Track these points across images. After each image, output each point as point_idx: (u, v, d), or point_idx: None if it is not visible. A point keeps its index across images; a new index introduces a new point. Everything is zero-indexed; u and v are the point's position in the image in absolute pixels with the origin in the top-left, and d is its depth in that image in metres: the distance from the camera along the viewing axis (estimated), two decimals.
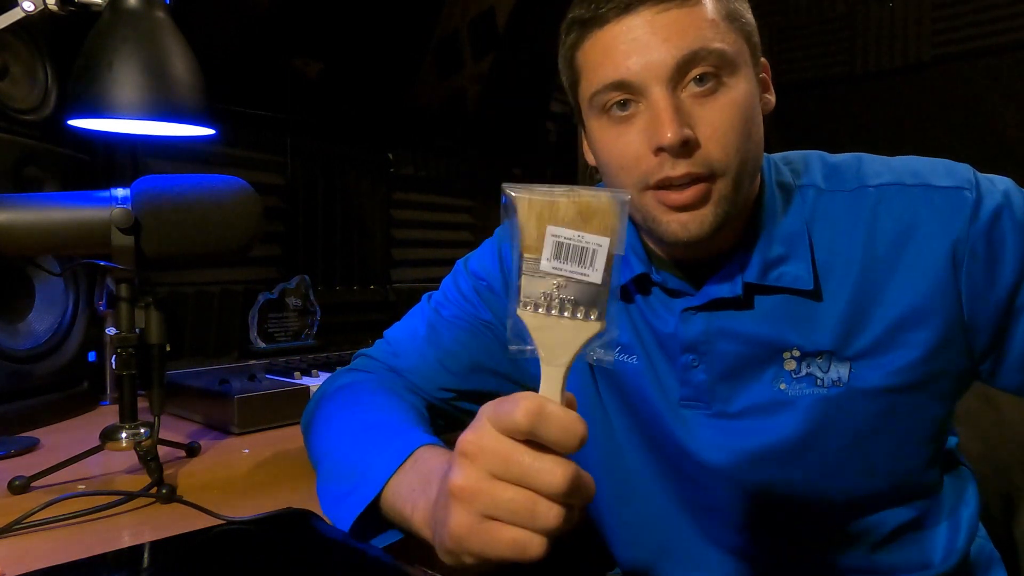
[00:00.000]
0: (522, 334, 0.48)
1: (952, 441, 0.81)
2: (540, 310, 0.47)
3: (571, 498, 0.46)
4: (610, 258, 0.46)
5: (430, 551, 0.66)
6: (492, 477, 0.47)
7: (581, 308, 0.47)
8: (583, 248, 0.46)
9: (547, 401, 0.46)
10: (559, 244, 0.46)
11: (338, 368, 0.90)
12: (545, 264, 0.47)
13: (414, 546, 0.67)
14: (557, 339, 0.47)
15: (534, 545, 0.46)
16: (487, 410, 0.48)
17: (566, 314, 0.47)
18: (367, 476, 0.65)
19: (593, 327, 0.47)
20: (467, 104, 2.10)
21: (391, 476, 0.63)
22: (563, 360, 0.48)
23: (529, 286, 0.47)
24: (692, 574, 0.79)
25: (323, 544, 0.65)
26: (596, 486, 0.48)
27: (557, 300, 0.47)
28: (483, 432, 0.47)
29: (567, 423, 0.45)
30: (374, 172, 1.87)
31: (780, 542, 0.74)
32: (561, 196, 0.47)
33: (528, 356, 0.49)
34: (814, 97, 2.21)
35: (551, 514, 0.45)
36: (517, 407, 0.46)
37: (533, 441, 0.46)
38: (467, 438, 0.48)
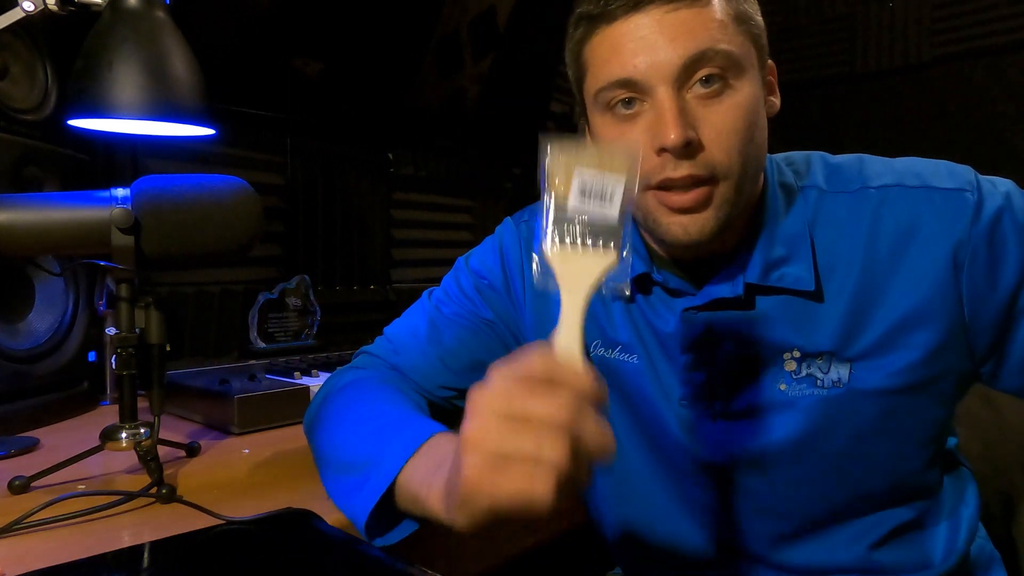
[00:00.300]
0: (546, 271, 0.53)
1: (952, 442, 0.81)
2: (564, 246, 0.53)
3: (575, 432, 0.46)
4: (626, 197, 0.52)
5: (430, 552, 0.66)
6: (498, 418, 0.47)
7: (600, 240, 0.52)
8: (603, 186, 0.52)
9: (559, 350, 0.50)
10: (583, 183, 0.52)
11: (338, 367, 0.91)
12: (572, 202, 0.52)
13: (414, 546, 0.67)
14: (577, 269, 0.52)
15: (541, 483, 0.46)
16: (495, 366, 0.50)
17: (586, 246, 0.52)
18: (381, 465, 0.65)
19: (610, 256, 0.52)
20: (467, 104, 2.10)
21: (405, 463, 0.63)
22: (583, 288, 0.52)
23: (555, 224, 0.53)
24: (692, 574, 0.79)
25: (323, 544, 0.65)
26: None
27: (579, 234, 0.52)
28: (488, 382, 0.49)
29: (576, 366, 0.48)
30: (374, 172, 1.87)
31: (780, 542, 0.74)
32: (586, 145, 0.53)
33: (553, 289, 0.53)
34: (814, 97, 2.21)
35: (555, 448, 0.46)
36: (532, 351, 0.48)
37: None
38: (475, 391, 0.49)
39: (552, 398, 0.46)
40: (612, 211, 0.52)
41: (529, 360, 0.48)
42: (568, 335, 0.51)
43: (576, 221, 0.52)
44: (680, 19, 0.63)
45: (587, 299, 0.52)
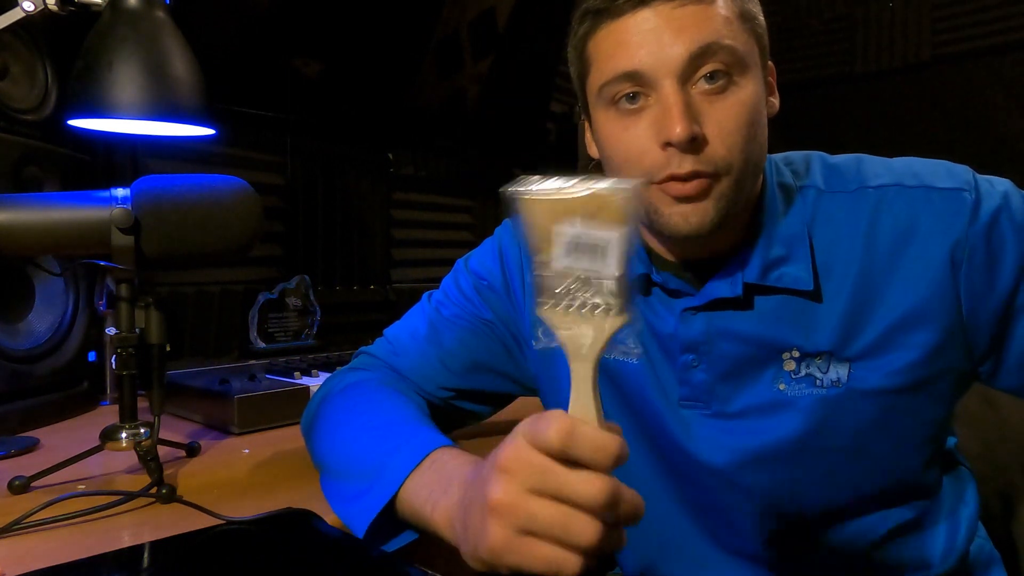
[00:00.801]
0: (547, 330, 0.48)
1: (951, 441, 0.81)
2: (560, 308, 0.47)
3: (609, 513, 0.46)
4: (624, 249, 0.45)
5: (429, 551, 0.66)
6: (529, 492, 0.47)
7: (601, 303, 0.46)
8: (595, 244, 0.45)
9: (578, 422, 0.46)
10: (568, 242, 0.45)
11: (338, 368, 0.90)
12: (557, 263, 0.46)
13: (414, 546, 0.67)
14: (582, 335, 0.47)
15: (569, 563, 0.46)
16: (523, 427, 0.49)
17: (586, 310, 0.46)
18: (383, 475, 0.65)
19: (616, 321, 0.46)
20: (467, 104, 2.10)
21: (408, 475, 0.63)
22: (591, 356, 0.47)
23: (546, 284, 0.47)
24: (691, 573, 0.79)
25: (323, 544, 0.65)
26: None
27: (578, 297, 0.46)
28: (520, 448, 0.48)
29: (600, 442, 0.46)
30: (374, 172, 1.87)
31: (780, 542, 0.74)
32: (567, 192, 0.45)
33: (555, 347, 0.48)
34: (814, 97, 2.21)
35: (587, 530, 0.46)
36: (549, 426, 0.46)
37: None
38: (505, 454, 0.49)
39: (586, 477, 0.46)
40: (609, 270, 0.45)
41: (555, 435, 0.46)
42: (582, 405, 0.47)
43: (571, 283, 0.46)
44: (686, 14, 0.63)
45: (596, 366, 0.47)
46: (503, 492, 0.48)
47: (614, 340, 0.47)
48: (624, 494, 0.47)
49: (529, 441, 0.47)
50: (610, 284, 0.46)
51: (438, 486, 0.60)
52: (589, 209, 0.45)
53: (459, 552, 0.55)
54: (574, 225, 0.45)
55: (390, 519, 0.65)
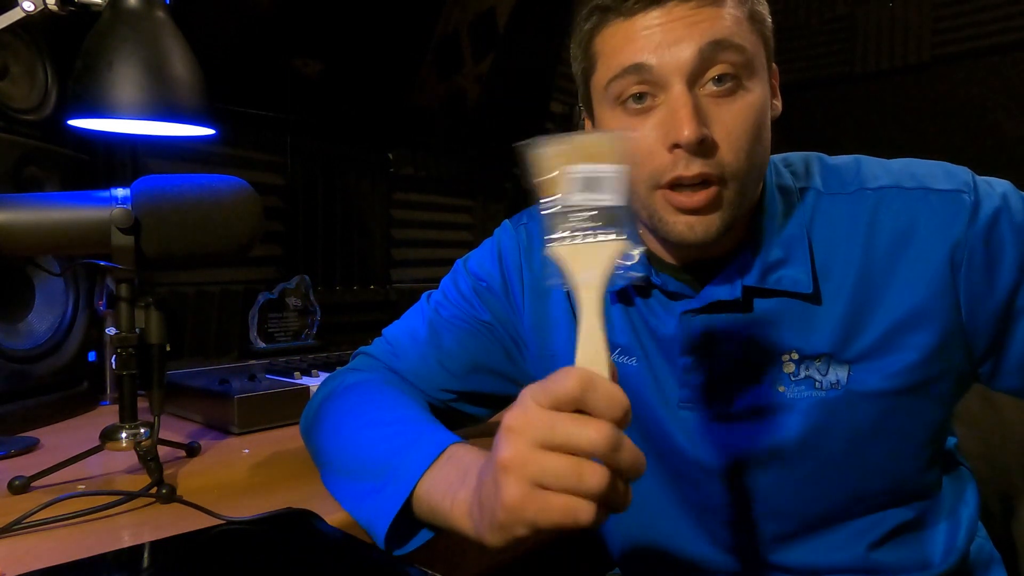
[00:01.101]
0: (555, 271, 0.53)
1: (951, 441, 0.81)
2: (567, 242, 0.52)
3: (614, 459, 0.48)
4: (626, 182, 0.51)
5: (430, 552, 0.66)
6: (538, 446, 0.49)
7: (606, 228, 0.51)
8: (599, 174, 0.51)
9: (594, 373, 0.49)
10: (578, 179, 0.51)
11: (338, 368, 0.90)
12: (569, 199, 0.52)
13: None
14: (587, 262, 0.52)
15: (583, 509, 0.48)
16: (529, 390, 0.50)
17: (590, 238, 0.52)
18: (399, 472, 0.65)
19: (621, 245, 0.51)
20: (467, 104, 2.10)
21: (424, 472, 0.63)
22: (596, 281, 0.51)
23: (555, 223, 0.52)
24: (691, 574, 0.79)
25: (323, 544, 0.65)
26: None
27: (584, 227, 0.52)
28: (527, 407, 0.50)
29: (613, 392, 0.48)
30: (374, 172, 1.87)
31: (779, 543, 0.74)
32: (573, 140, 0.52)
33: (566, 287, 0.52)
34: (814, 97, 2.21)
35: (597, 476, 0.47)
36: (568, 376, 0.48)
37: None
38: (512, 414, 0.50)
39: (590, 424, 0.48)
40: (613, 198, 0.51)
41: (562, 384, 0.48)
42: (591, 339, 0.51)
43: (578, 215, 0.52)
44: (696, 13, 0.63)
45: (602, 289, 0.51)
46: (513, 449, 0.49)
47: (621, 266, 0.52)
48: (625, 442, 0.48)
49: (538, 398, 0.49)
50: (616, 213, 0.51)
51: (456, 479, 0.61)
52: (592, 151, 0.52)
53: (456, 549, 0.55)
54: (581, 161, 0.52)
55: (406, 518, 0.65)
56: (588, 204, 0.51)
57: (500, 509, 0.50)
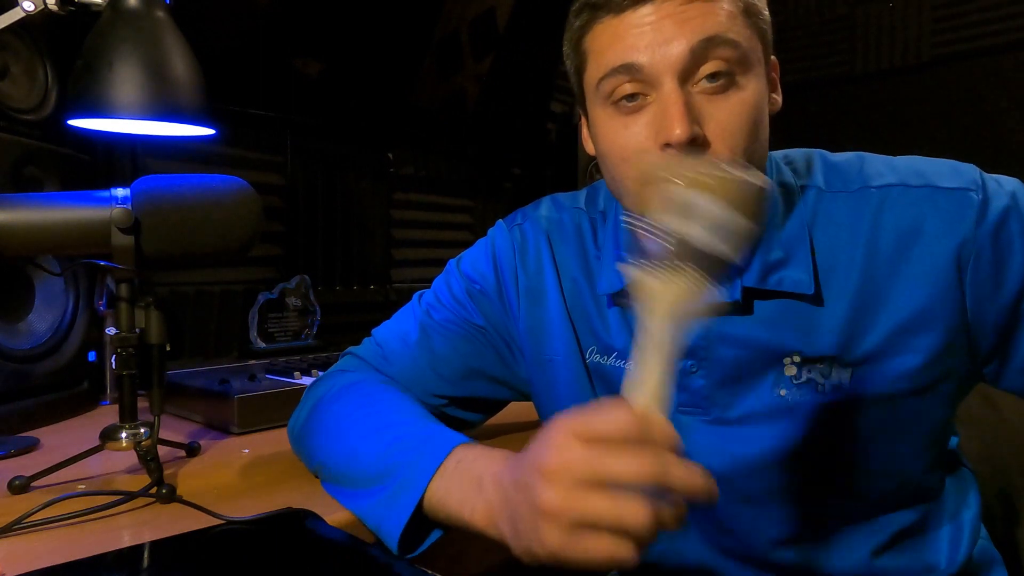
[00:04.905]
0: (634, 289, 0.51)
1: (953, 441, 0.80)
2: (653, 269, 0.50)
3: (661, 490, 0.47)
4: (731, 229, 0.48)
5: (430, 552, 0.66)
6: (578, 488, 0.48)
7: (693, 265, 0.49)
8: (730, 228, 0.48)
9: (649, 413, 0.48)
10: (708, 221, 0.48)
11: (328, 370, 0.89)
12: (675, 227, 0.49)
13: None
14: (667, 293, 0.49)
15: (627, 550, 0.47)
16: (567, 425, 0.49)
17: (678, 274, 0.49)
18: (408, 476, 0.64)
19: (703, 287, 0.49)
20: (467, 104, 2.10)
21: (433, 476, 0.63)
22: (669, 313, 0.49)
23: (646, 245, 0.50)
24: None
25: (323, 544, 0.65)
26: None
27: (675, 261, 0.49)
28: (566, 446, 0.48)
29: (667, 434, 0.48)
30: (374, 172, 1.87)
31: (780, 547, 0.74)
32: (720, 172, 0.49)
33: (635, 308, 0.51)
34: (814, 97, 2.21)
35: (640, 513, 0.46)
36: (619, 414, 0.47)
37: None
38: (549, 454, 0.49)
39: (634, 459, 0.47)
40: (708, 238, 0.48)
41: (613, 422, 0.47)
42: (650, 372, 0.49)
43: (675, 247, 0.49)
44: (688, 9, 0.62)
45: (673, 332, 0.49)
46: (553, 495, 0.48)
47: (695, 304, 0.49)
48: (673, 468, 0.47)
49: (579, 435, 0.48)
50: (707, 254, 0.48)
51: (470, 487, 0.60)
52: (711, 185, 0.49)
53: (456, 549, 0.55)
54: (715, 203, 0.48)
55: (418, 520, 0.64)
56: (678, 233, 0.49)
57: (541, 552, 0.50)
